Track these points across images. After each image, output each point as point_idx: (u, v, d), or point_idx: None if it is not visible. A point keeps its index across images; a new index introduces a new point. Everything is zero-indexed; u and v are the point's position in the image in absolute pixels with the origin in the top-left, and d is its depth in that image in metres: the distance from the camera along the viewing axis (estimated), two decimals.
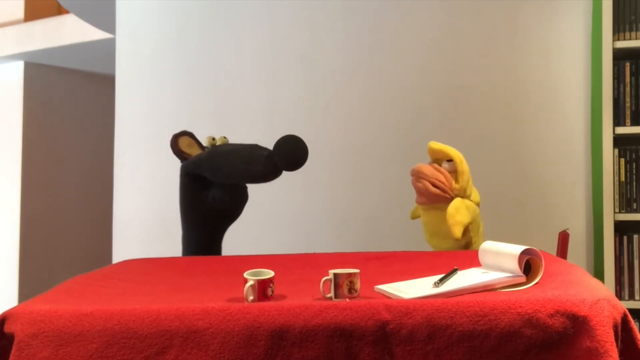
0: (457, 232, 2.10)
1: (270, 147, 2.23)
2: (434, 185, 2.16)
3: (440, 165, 2.22)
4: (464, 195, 2.19)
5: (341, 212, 3.03)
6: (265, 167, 2.20)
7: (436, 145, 2.24)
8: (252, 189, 2.41)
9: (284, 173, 2.26)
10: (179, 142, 2.33)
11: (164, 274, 1.75)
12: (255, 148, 2.26)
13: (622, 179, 2.49)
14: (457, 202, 2.15)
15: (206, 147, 2.36)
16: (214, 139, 2.35)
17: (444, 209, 2.15)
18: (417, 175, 2.19)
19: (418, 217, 2.36)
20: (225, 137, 2.38)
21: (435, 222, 2.22)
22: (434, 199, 2.17)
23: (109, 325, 1.15)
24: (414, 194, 2.27)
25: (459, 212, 2.13)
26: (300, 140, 2.20)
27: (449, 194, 2.16)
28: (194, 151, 2.34)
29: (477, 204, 2.25)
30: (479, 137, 2.90)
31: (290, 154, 2.19)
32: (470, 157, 2.31)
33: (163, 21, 3.48)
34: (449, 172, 2.19)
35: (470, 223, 2.16)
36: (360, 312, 1.15)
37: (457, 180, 2.19)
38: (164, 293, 1.46)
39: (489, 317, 1.13)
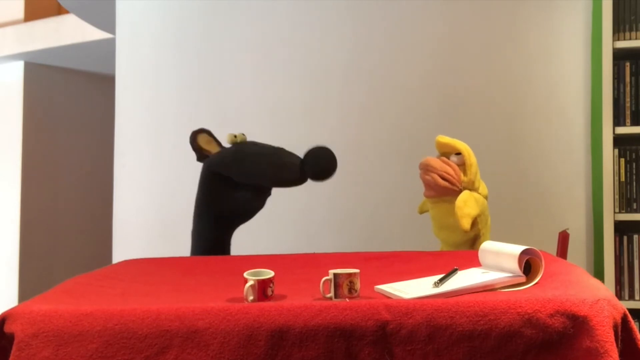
0: (466, 224, 2.11)
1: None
2: (443, 178, 2.16)
3: (448, 158, 2.23)
4: (472, 188, 2.20)
5: (342, 212, 3.02)
6: (295, 175, 2.23)
7: (444, 139, 2.24)
8: None
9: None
10: (198, 139, 2.34)
11: (164, 274, 1.75)
12: (284, 154, 2.28)
13: (622, 179, 2.49)
14: (465, 194, 2.16)
15: (228, 144, 2.37)
16: (235, 136, 2.36)
17: (452, 202, 2.15)
18: (426, 169, 2.20)
19: (426, 211, 2.36)
20: (243, 134, 2.39)
21: (443, 215, 2.22)
22: (443, 191, 2.18)
23: (109, 325, 1.15)
24: (415, 194, 2.27)
25: (467, 205, 2.13)
26: (331, 152, 2.22)
27: (457, 187, 2.17)
28: (213, 148, 2.36)
29: (485, 197, 2.26)
30: (480, 137, 2.89)
31: (321, 165, 2.20)
32: None
33: (163, 21, 3.48)
34: (457, 165, 2.20)
35: (478, 215, 2.17)
36: (360, 312, 1.15)
37: (465, 173, 2.19)
38: (164, 293, 1.46)
39: (489, 317, 1.13)
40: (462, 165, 2.20)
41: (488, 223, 2.26)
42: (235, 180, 2.29)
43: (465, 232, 2.13)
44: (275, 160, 2.25)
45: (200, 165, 2.38)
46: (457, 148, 2.22)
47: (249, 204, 2.34)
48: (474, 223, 2.17)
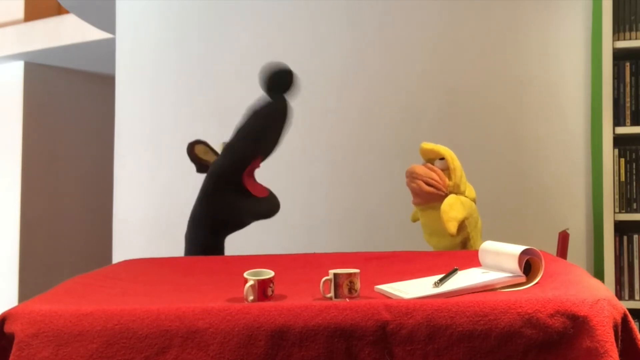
0: (452, 227, 2.11)
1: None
2: (428, 184, 2.17)
3: (433, 164, 2.23)
4: (458, 191, 2.20)
5: (341, 212, 3.02)
6: (279, 105, 2.28)
7: (427, 145, 2.25)
8: None
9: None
10: (195, 149, 2.37)
11: (164, 274, 1.75)
12: (259, 112, 2.33)
13: (622, 179, 2.49)
14: (451, 198, 2.16)
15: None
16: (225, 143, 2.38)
17: (440, 208, 2.15)
18: (411, 176, 2.20)
19: (418, 219, 2.37)
20: None
21: (432, 221, 2.22)
22: (429, 197, 2.18)
23: (109, 325, 1.15)
24: None
25: (452, 208, 2.13)
26: (282, 66, 2.28)
27: (443, 192, 2.17)
28: (210, 158, 2.39)
29: (473, 200, 2.25)
30: (479, 137, 2.90)
31: (282, 80, 2.28)
32: (470, 157, 2.31)
33: (163, 21, 3.48)
34: (442, 170, 2.20)
35: (465, 218, 2.17)
36: (360, 312, 1.15)
37: (450, 177, 2.19)
38: (164, 293, 1.46)
39: (489, 317, 1.13)
40: (447, 169, 2.21)
41: (478, 226, 2.25)
42: (246, 191, 2.32)
43: (452, 235, 2.13)
44: (260, 120, 2.32)
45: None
46: (440, 153, 2.22)
47: (258, 216, 2.37)
48: (462, 226, 2.17)
